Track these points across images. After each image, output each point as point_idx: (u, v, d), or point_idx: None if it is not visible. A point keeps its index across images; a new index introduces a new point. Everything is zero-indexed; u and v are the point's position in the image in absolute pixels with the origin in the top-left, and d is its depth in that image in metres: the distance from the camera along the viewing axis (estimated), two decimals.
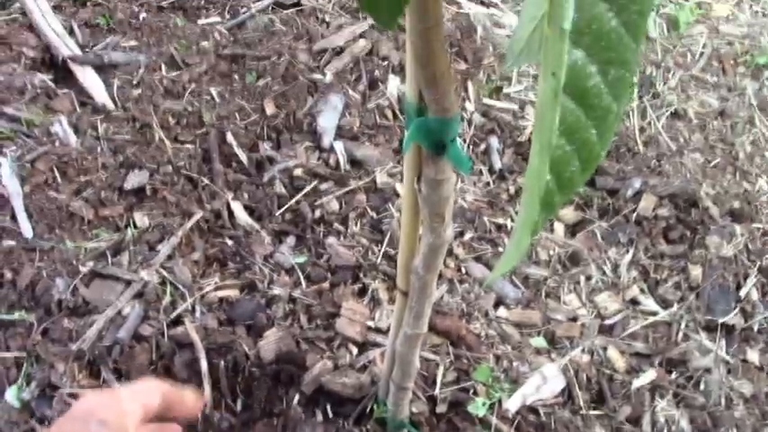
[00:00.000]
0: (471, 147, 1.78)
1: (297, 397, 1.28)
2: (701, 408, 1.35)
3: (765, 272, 1.55)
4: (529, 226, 0.64)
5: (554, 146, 0.57)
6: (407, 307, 1.01)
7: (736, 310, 1.48)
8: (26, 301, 1.38)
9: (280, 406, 1.27)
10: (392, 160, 1.71)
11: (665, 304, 1.49)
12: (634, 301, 1.50)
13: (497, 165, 1.76)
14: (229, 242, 1.53)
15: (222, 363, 1.29)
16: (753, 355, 1.43)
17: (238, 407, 1.28)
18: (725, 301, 1.49)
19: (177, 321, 1.37)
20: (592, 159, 0.59)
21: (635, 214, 1.63)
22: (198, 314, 1.39)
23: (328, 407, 1.28)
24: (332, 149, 1.75)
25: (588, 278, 1.52)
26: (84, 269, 1.42)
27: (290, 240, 1.56)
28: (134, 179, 1.58)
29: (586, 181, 0.59)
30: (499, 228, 1.61)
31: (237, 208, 1.59)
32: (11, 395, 1.27)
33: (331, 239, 1.54)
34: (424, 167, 0.81)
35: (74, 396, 1.25)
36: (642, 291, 1.51)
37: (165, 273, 1.43)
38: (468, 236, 1.58)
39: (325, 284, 1.46)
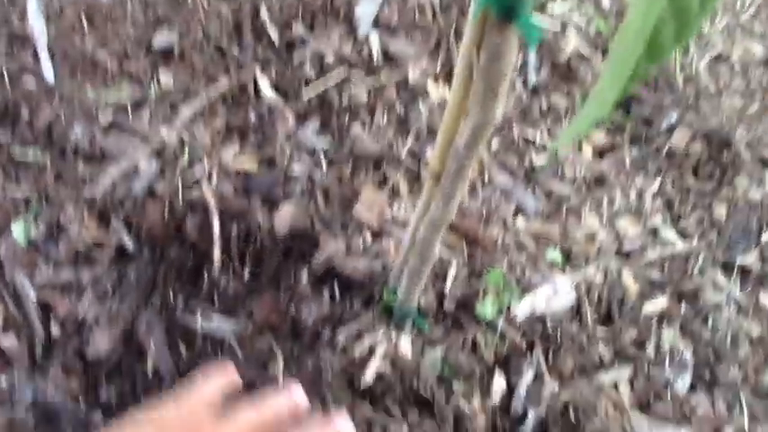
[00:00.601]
0: None
1: (306, 274, 1.26)
2: (706, 342, 1.34)
3: None
4: (618, 81, 0.60)
5: (655, 2, 0.53)
6: (440, 188, 0.98)
7: (756, 252, 1.46)
8: (42, 142, 1.34)
9: (288, 281, 1.25)
10: (427, 59, 1.66)
11: (686, 237, 1.47)
12: (654, 230, 1.47)
13: (533, 80, 1.71)
14: (252, 116, 1.49)
15: (235, 229, 1.27)
16: (765, 299, 1.42)
17: (246, 275, 1.26)
18: (745, 242, 1.47)
19: (193, 184, 1.34)
20: (688, 27, 0.55)
21: (667, 146, 1.60)
22: (214, 180, 1.36)
23: (336, 288, 1.26)
24: (367, 40, 1.69)
25: (611, 201, 1.49)
26: (103, 119, 1.38)
27: (314, 123, 1.52)
28: (163, 38, 1.53)
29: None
30: (527, 141, 1.57)
31: (264, 83, 1.54)
32: (17, 231, 1.24)
33: (356, 128, 1.51)
34: (487, 35, 0.76)
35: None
36: (664, 221, 1.48)
37: (185, 134, 1.40)
38: (495, 144, 1.54)
39: (346, 170, 1.43)
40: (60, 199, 1.27)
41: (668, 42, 0.55)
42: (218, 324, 1.19)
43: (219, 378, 0.69)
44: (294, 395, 0.67)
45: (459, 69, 0.87)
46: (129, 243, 1.25)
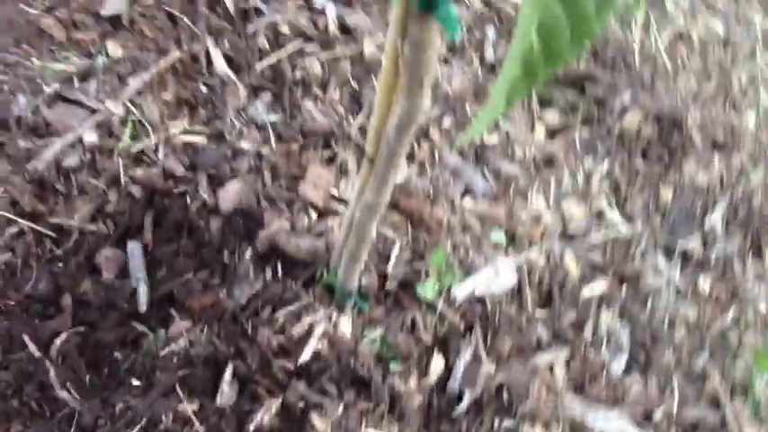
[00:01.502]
0: (467, 34, 1.72)
1: (249, 252, 1.27)
2: (643, 326, 1.37)
3: (734, 205, 1.55)
4: (505, 89, 0.61)
5: (547, 8, 0.53)
6: (372, 174, 0.99)
7: (698, 237, 1.49)
8: None
9: (230, 258, 1.26)
10: (384, 32, 1.64)
11: (630, 221, 1.49)
12: (600, 213, 1.49)
13: (490, 56, 1.71)
14: (203, 89, 1.48)
15: (175, 205, 1.27)
16: (704, 284, 1.44)
17: (182, 251, 1.26)
18: (688, 227, 1.49)
19: (138, 158, 1.34)
20: (584, 33, 0.56)
21: (618, 127, 1.60)
22: (161, 155, 1.35)
23: (279, 267, 1.27)
24: (323, 12, 1.67)
25: (559, 183, 1.50)
26: (48, 90, 1.36)
27: (266, 97, 1.51)
28: (112, 5, 1.51)
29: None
30: None
31: (216, 55, 1.53)
32: None
33: (308, 103, 1.50)
34: (409, 26, 0.76)
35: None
36: (610, 204, 1.50)
37: (132, 107, 1.38)
38: (447, 122, 1.54)
39: (295, 146, 1.42)
40: (3, 173, 1.26)
41: (565, 47, 0.56)
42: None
43: None
44: None
45: (385, 61, 0.87)
46: (66, 220, 1.25)
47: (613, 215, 1.49)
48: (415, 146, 1.48)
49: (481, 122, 0.65)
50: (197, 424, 1.08)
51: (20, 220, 1.23)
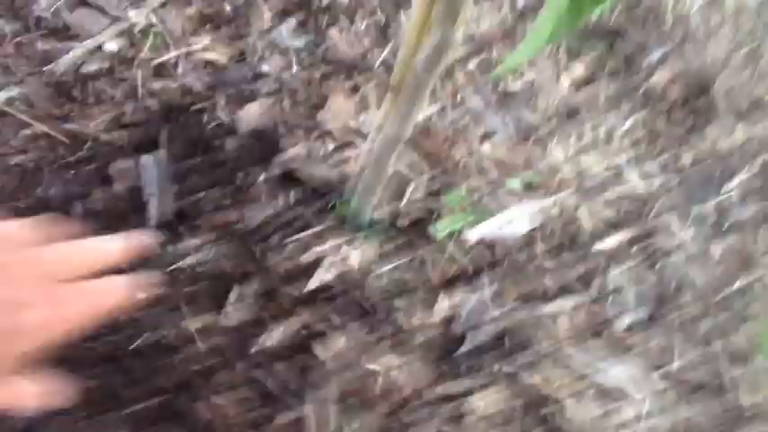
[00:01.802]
0: None
1: (263, 176, 1.25)
2: (651, 286, 1.36)
3: (752, 175, 1.53)
4: (551, 20, 0.59)
5: None
6: (395, 106, 0.97)
7: (714, 202, 1.47)
8: (2, 10, 1.30)
9: (245, 180, 1.24)
10: None
11: (647, 180, 1.47)
12: (618, 170, 1.47)
13: (521, 2, 1.66)
14: (228, 7, 1.45)
15: (192, 121, 1.25)
16: (715, 249, 1.43)
17: (196, 169, 1.25)
18: (705, 191, 1.48)
19: (158, 71, 1.31)
20: None
21: (645, 86, 1.57)
22: (180, 70, 1.33)
23: (292, 193, 1.26)
24: None
25: (580, 136, 1.48)
26: None
27: (291, 22, 1.48)
28: None
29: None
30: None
31: None
32: None
33: (333, 32, 1.47)
34: None
35: None
36: (629, 161, 1.48)
37: (154, 19, 1.35)
38: (472, 64, 1.51)
39: (317, 74, 1.40)
40: (20, 73, 1.24)
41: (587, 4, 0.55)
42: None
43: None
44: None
45: None
46: (81, 128, 1.23)
47: (631, 173, 1.47)
48: (438, 86, 1.46)
49: (522, 53, 0.63)
50: (199, 343, 1.08)
51: (35, 123, 1.21)
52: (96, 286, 0.79)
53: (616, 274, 1.35)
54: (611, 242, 1.37)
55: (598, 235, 1.38)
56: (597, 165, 1.45)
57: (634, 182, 1.46)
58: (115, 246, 0.82)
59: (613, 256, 1.37)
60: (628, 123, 1.53)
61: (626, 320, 1.33)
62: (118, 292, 0.83)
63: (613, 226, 1.40)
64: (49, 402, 0.75)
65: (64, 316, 0.75)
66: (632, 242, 1.40)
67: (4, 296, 0.69)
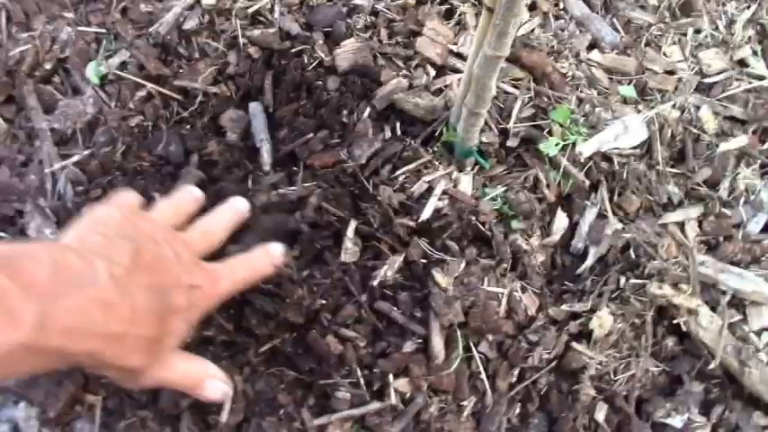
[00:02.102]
0: None
1: (367, 110, 1.25)
2: None
3: None
4: None
5: None
6: (491, 24, 0.94)
7: None
8: None
9: (349, 117, 1.25)
10: None
11: None
12: (742, 63, 1.37)
13: None
14: None
15: (293, 64, 1.27)
16: None
17: (302, 111, 1.26)
18: None
19: (255, 19, 1.33)
20: None
21: None
22: (276, 14, 1.34)
23: (398, 125, 1.25)
24: None
25: (697, 31, 1.38)
26: None
27: None
28: None
29: None
30: None
31: None
32: (90, 71, 1.28)
33: None
34: None
35: None
36: (755, 53, 1.37)
37: None
38: None
39: (412, 1, 1.37)
40: (129, 36, 1.29)
41: None
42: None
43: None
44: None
45: None
46: (190, 83, 1.27)
47: (758, 65, 1.37)
48: None
49: None
50: (324, 279, 1.11)
51: (147, 84, 1.26)
52: (244, 262, 0.92)
53: (746, 175, 1.27)
54: (738, 141, 1.29)
55: (724, 135, 1.30)
56: (718, 60, 1.36)
57: (762, 74, 1.36)
58: (242, 205, 0.99)
59: (742, 156, 1.28)
60: (751, 10, 1.41)
61: (761, 222, 1.26)
62: (263, 265, 0.97)
63: (740, 124, 1.31)
64: (220, 390, 0.88)
65: (222, 290, 0.87)
66: (762, 139, 1.31)
67: (175, 280, 0.79)
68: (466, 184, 1.20)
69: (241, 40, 1.30)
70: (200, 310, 0.86)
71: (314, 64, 1.28)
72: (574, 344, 1.12)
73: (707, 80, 1.34)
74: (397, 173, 1.19)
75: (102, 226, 0.78)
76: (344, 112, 1.25)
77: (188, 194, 1.02)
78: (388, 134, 1.24)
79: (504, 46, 0.95)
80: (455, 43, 1.32)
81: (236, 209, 1.02)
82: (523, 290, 1.16)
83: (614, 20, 1.39)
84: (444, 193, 1.18)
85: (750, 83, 1.34)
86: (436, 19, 1.34)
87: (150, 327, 0.74)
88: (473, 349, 1.10)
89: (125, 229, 0.79)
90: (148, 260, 0.76)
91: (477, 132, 1.16)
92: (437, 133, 1.24)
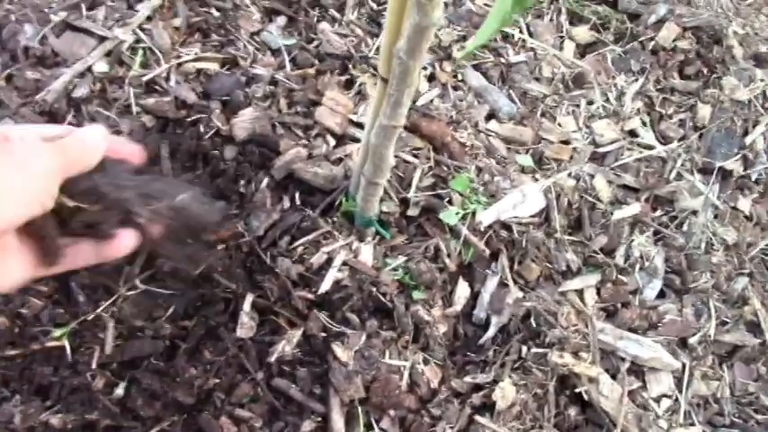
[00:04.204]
0: None
1: (265, 180, 1.23)
2: (678, 248, 1.31)
3: None
4: (499, 13, 0.59)
5: None
6: (386, 95, 0.93)
7: (738, 156, 1.41)
8: None
9: (247, 187, 1.22)
10: None
11: (665, 140, 1.42)
12: (633, 133, 1.42)
13: None
14: (216, 13, 1.42)
15: (189, 133, 1.23)
16: (744, 204, 1.37)
17: (198, 181, 1.22)
18: (728, 145, 1.41)
19: (150, 87, 1.29)
20: None
21: (653, 43, 1.51)
22: (172, 83, 1.30)
23: (297, 195, 1.23)
24: None
25: (590, 103, 1.43)
26: (55, 18, 1.31)
27: (281, 20, 1.45)
28: None
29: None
30: (505, 37, 1.49)
31: None
32: None
33: (324, 25, 1.44)
34: None
35: None
36: (644, 123, 1.43)
37: (141, 34, 1.33)
38: (470, 41, 1.47)
39: (311, 71, 1.37)
40: (13, 105, 1.23)
41: None
42: None
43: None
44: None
45: None
46: None
47: (647, 135, 1.42)
48: (437, 67, 1.42)
49: (476, 40, 0.64)
50: (218, 357, 1.06)
51: None
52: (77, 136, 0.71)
53: (641, 241, 1.30)
54: (632, 209, 1.32)
55: (618, 203, 1.33)
56: (610, 130, 1.40)
57: (651, 143, 1.41)
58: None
59: (636, 223, 1.32)
60: (638, 84, 1.47)
61: (656, 288, 1.28)
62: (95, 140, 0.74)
63: (633, 191, 1.35)
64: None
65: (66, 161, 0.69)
66: (654, 206, 1.35)
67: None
68: (366, 254, 1.18)
69: (135, 109, 1.26)
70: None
71: (210, 133, 1.25)
72: (477, 417, 1.10)
73: (600, 149, 1.38)
74: (296, 244, 1.17)
75: None
76: (242, 181, 1.22)
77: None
78: (286, 204, 1.22)
79: (400, 116, 0.95)
80: (355, 113, 1.32)
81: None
82: (426, 362, 1.13)
83: (511, 91, 1.42)
84: (344, 264, 1.16)
85: (641, 152, 1.38)
86: (336, 89, 1.34)
87: None
88: (374, 426, 1.06)
89: None
90: None
91: (376, 202, 1.15)
92: (337, 203, 1.22)
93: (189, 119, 1.26)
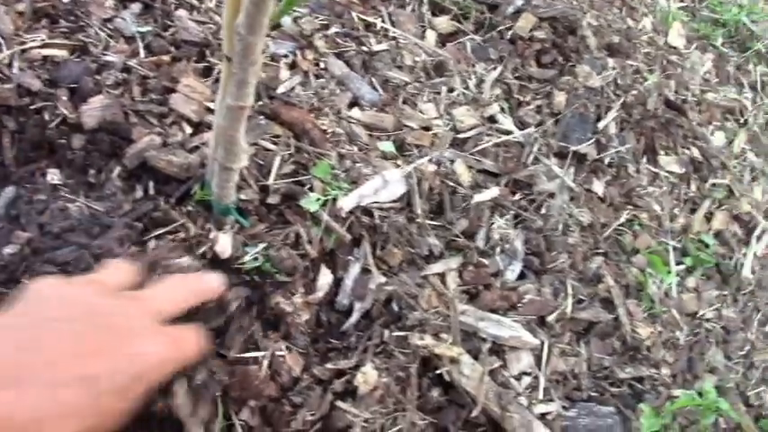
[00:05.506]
0: None
1: (117, 170, 1.18)
2: (537, 230, 1.35)
3: (627, 108, 1.53)
4: None
5: None
6: (230, 74, 0.91)
7: (592, 140, 1.47)
8: None
9: (97, 177, 1.17)
10: None
11: (523, 126, 1.45)
12: (492, 119, 1.45)
13: None
14: None
15: (33, 122, 1.17)
16: (598, 187, 1.43)
17: (46, 169, 1.16)
18: (582, 130, 1.47)
19: None
20: None
21: (511, 32, 1.55)
22: (15, 70, 1.23)
23: (150, 184, 1.19)
24: None
25: (450, 90, 1.45)
26: None
27: (135, 7, 1.40)
28: None
29: None
30: (368, 26, 1.49)
31: None
32: None
33: (181, 12, 1.40)
34: None
35: None
36: (502, 110, 1.46)
37: None
38: (333, 30, 1.46)
39: (167, 57, 1.32)
40: None
41: None
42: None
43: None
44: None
45: None
46: None
47: (506, 121, 1.45)
48: (299, 55, 1.40)
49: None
50: None
51: None
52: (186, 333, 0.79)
53: (501, 223, 1.33)
54: (491, 193, 1.35)
55: (478, 187, 1.35)
56: (470, 117, 1.43)
57: (509, 129, 1.44)
58: (216, 282, 0.84)
59: (496, 207, 1.34)
60: (496, 72, 1.50)
61: (516, 270, 1.31)
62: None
63: (492, 176, 1.38)
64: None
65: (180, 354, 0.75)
66: (513, 190, 1.38)
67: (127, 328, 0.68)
68: (224, 243, 1.15)
69: None
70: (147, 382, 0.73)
71: (57, 121, 1.19)
72: (339, 402, 1.09)
73: (460, 135, 1.40)
74: (149, 236, 1.12)
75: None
76: (91, 171, 1.17)
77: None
78: (139, 194, 1.17)
79: (246, 96, 0.93)
80: (212, 100, 1.28)
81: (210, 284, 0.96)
82: (288, 350, 1.11)
83: (373, 79, 1.42)
84: (201, 254, 1.12)
85: (499, 137, 1.41)
86: (192, 76, 1.30)
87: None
88: (233, 417, 1.03)
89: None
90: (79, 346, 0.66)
91: (232, 189, 1.12)
92: (193, 191, 1.18)
93: (33, 106, 1.19)
